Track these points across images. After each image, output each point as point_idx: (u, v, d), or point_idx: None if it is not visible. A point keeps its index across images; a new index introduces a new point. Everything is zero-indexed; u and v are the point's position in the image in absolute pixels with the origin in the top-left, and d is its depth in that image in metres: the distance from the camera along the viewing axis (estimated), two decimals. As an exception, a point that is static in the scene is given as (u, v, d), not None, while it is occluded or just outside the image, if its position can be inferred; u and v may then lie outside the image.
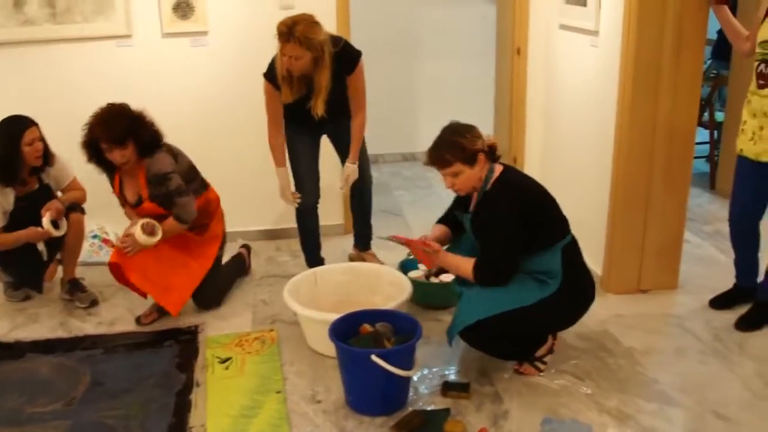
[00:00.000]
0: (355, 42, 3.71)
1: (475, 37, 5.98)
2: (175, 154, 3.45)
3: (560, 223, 2.87)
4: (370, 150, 3.94)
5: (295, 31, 3.27)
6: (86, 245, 4.24)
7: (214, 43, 4.21)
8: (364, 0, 5.86)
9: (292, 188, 3.80)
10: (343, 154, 3.83)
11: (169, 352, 3.26)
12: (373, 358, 2.61)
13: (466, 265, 2.83)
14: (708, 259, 4.16)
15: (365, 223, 4.13)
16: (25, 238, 3.54)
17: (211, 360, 3.17)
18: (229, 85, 4.30)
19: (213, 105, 4.32)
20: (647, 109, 3.40)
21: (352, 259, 4.19)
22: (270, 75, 3.52)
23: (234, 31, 4.22)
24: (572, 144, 4.08)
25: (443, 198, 5.39)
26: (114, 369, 3.14)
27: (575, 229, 2.93)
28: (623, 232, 3.60)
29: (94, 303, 3.76)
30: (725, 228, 4.12)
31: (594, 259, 3.73)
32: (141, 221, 3.33)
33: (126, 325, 3.54)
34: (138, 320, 3.55)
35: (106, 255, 4.21)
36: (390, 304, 3.11)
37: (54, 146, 3.62)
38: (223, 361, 3.16)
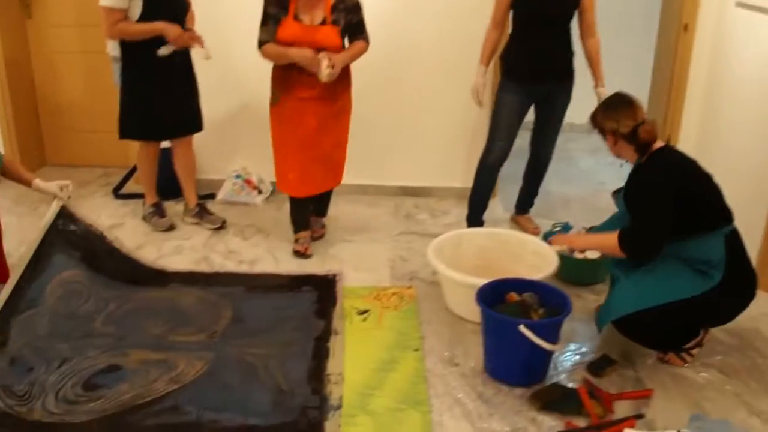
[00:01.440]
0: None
1: (635, 11, 5.71)
2: None
3: (722, 210, 2.70)
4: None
5: None
6: (229, 184, 4.35)
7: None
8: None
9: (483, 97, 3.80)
10: (547, 127, 3.87)
11: (308, 298, 3.30)
12: (521, 328, 2.55)
13: (609, 238, 2.72)
14: None
15: (535, 189, 4.13)
16: (158, 30, 3.60)
17: (349, 310, 3.19)
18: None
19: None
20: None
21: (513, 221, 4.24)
22: None
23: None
24: (735, 130, 3.83)
25: (584, 171, 5.26)
26: (254, 308, 3.21)
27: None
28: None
29: (223, 225, 3.94)
30: None
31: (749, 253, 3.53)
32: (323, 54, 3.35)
33: (266, 265, 3.61)
34: (299, 253, 3.70)
35: (247, 196, 4.32)
36: (535, 275, 3.03)
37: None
38: (361, 313, 3.18)
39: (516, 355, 2.66)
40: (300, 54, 3.35)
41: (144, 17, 3.55)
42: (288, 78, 3.48)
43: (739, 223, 2.82)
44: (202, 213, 4.01)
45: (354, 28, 3.49)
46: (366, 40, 3.53)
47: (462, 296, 3.06)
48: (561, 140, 4.05)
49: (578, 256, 3.41)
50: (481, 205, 3.95)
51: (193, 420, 2.45)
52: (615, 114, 2.72)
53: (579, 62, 3.72)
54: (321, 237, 3.93)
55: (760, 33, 3.56)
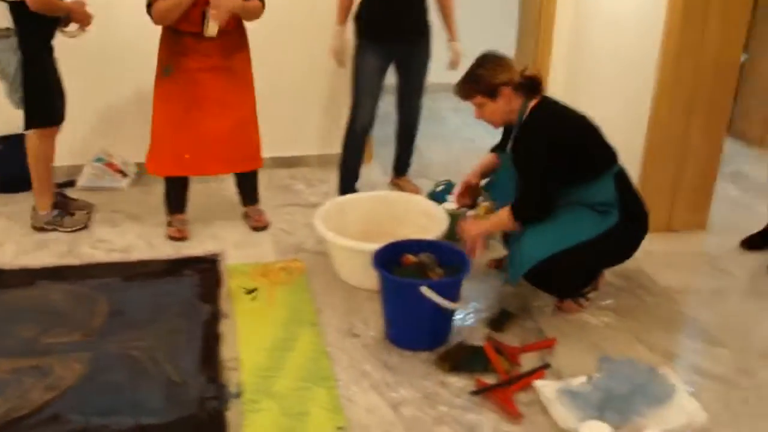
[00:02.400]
0: None
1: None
2: None
3: (607, 151, 2.74)
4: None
5: None
6: (88, 169, 4.01)
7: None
8: None
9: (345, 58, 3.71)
10: (410, 87, 3.79)
11: (190, 281, 3.09)
12: (423, 289, 2.47)
13: (502, 215, 2.72)
14: (731, 200, 4.08)
15: (408, 150, 4.07)
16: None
17: (236, 290, 3.01)
18: None
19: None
20: (695, 41, 3.25)
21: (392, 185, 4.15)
22: None
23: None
24: (603, 76, 3.92)
25: (453, 129, 5.27)
26: (133, 298, 2.97)
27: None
28: (658, 170, 3.50)
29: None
30: (745, 169, 4.01)
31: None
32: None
33: (140, 252, 3.35)
34: (174, 238, 3.46)
35: (111, 180, 4.01)
36: (425, 236, 2.96)
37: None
38: (250, 292, 3.01)
39: (419, 319, 2.59)
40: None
41: None
42: (180, 46, 3.19)
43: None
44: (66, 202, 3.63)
45: None
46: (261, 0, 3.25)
47: (354, 264, 2.95)
48: (428, 100, 4.01)
49: (469, 213, 3.39)
50: (352, 172, 3.86)
51: (80, 429, 2.21)
52: (501, 67, 2.66)
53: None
54: (265, 227, 3.61)
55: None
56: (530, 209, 2.68)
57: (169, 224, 3.51)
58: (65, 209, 3.58)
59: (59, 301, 2.94)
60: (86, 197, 3.86)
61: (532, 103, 2.69)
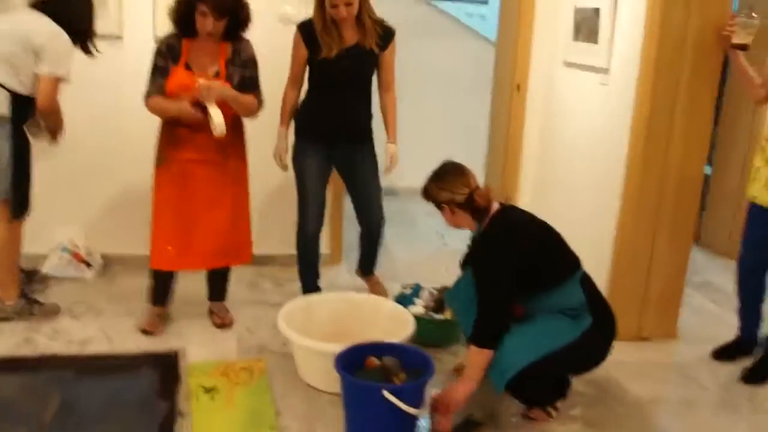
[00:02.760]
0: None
1: (465, 74, 5.92)
2: None
3: (570, 256, 2.75)
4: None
5: None
6: (53, 259, 3.95)
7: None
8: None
9: (288, 161, 3.61)
10: (358, 192, 3.67)
11: (148, 378, 3.00)
12: (385, 394, 2.41)
13: (472, 358, 2.62)
14: (701, 310, 4.08)
15: (371, 252, 3.90)
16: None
17: (195, 389, 2.91)
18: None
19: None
20: (659, 155, 3.33)
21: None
22: (303, 27, 3.39)
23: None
24: (571, 186, 3.99)
25: (426, 232, 5.28)
26: (87, 393, 2.86)
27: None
28: (626, 280, 3.51)
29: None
30: (714, 279, 4.04)
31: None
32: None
33: (98, 345, 3.25)
34: (145, 331, 3.36)
35: (76, 270, 3.94)
36: (391, 340, 2.91)
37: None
38: (208, 391, 2.90)
39: (380, 424, 2.51)
40: (177, 107, 3.07)
41: None
42: (175, 136, 3.19)
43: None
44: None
45: (247, 83, 3.20)
46: (258, 97, 3.25)
47: (318, 366, 2.88)
48: (401, 203, 4.01)
49: (436, 316, 3.36)
50: (311, 272, 3.77)
51: None
52: (447, 184, 2.72)
53: (409, 124, 3.65)
54: (229, 325, 3.53)
55: (590, 91, 3.76)
56: (491, 326, 2.62)
57: (144, 315, 3.43)
58: (30, 300, 3.50)
59: (9, 394, 2.82)
60: (50, 286, 3.80)
61: (493, 210, 2.71)
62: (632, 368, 3.30)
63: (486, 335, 2.61)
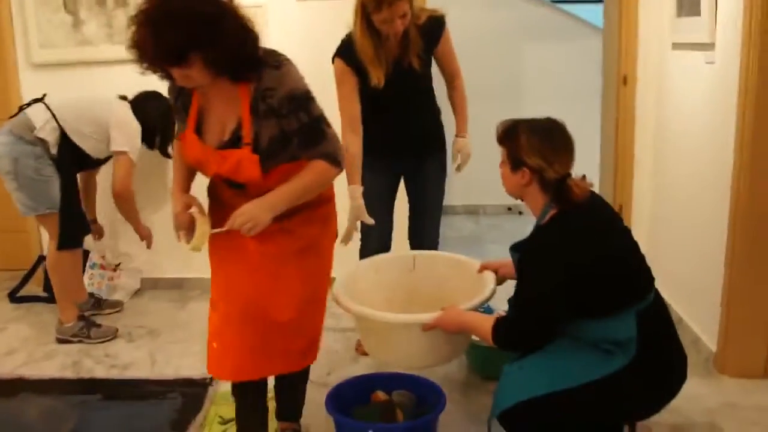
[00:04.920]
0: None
1: (585, 74, 5.30)
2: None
3: (637, 282, 2.13)
4: (470, 200, 3.28)
5: None
6: (86, 278, 3.90)
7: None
8: (462, 44, 5.43)
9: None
10: (420, 204, 3.21)
11: (170, 406, 2.81)
12: (370, 434, 2.01)
13: (485, 325, 2.16)
14: None
15: None
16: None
17: (212, 419, 2.68)
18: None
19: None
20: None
21: None
22: (346, 54, 2.85)
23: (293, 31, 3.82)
24: (684, 189, 3.31)
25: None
26: (102, 419, 2.74)
27: (686, 291, 2.17)
28: (745, 301, 2.79)
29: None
30: None
31: (706, 329, 2.98)
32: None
33: (139, 370, 3.13)
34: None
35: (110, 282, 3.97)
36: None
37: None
38: (225, 422, 2.65)
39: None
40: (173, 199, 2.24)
41: None
42: (218, 197, 2.27)
43: (694, 295, 2.25)
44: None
45: (301, 138, 2.05)
46: (328, 156, 2.06)
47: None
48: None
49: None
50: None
51: None
52: (550, 152, 2.12)
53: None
54: None
55: (696, 73, 3.10)
56: (512, 337, 2.13)
57: None
58: (89, 323, 3.49)
59: (29, 416, 2.79)
60: (125, 310, 3.81)
61: (556, 208, 2.19)
62: (748, 415, 2.59)
63: (508, 334, 2.13)
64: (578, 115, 4.75)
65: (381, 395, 2.32)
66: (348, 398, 2.26)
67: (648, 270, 2.19)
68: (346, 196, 2.89)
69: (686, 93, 3.26)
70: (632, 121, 3.72)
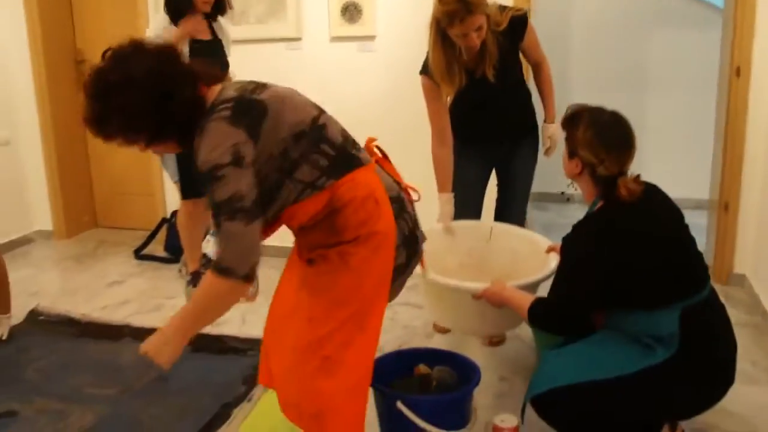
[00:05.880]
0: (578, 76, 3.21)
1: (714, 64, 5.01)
2: (254, 113, 1.75)
3: (685, 279, 2.07)
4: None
5: (470, 0, 2.70)
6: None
7: (382, 47, 3.95)
8: (586, 30, 5.29)
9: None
10: (509, 189, 3.23)
11: (248, 362, 3.02)
12: (399, 405, 2.10)
13: (522, 301, 2.24)
14: None
15: None
16: None
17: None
18: (395, 92, 4.00)
19: (378, 111, 4.04)
20: None
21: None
22: (428, 70, 2.95)
23: (401, 36, 3.93)
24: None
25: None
26: (185, 368, 2.90)
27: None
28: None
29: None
30: None
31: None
32: None
33: (229, 327, 3.38)
34: None
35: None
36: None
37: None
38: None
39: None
40: None
41: None
42: None
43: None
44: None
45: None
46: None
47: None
48: (554, 213, 3.44)
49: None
50: None
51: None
52: (602, 149, 2.12)
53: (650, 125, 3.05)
54: None
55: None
56: (548, 318, 2.17)
57: None
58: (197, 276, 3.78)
59: (127, 359, 3.10)
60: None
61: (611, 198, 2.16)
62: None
63: (544, 315, 2.20)
64: (702, 106, 4.57)
65: (423, 369, 2.38)
66: (390, 370, 2.34)
67: (702, 268, 2.13)
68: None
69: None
70: (744, 115, 3.51)
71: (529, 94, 3.16)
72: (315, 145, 1.82)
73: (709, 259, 3.87)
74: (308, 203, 1.83)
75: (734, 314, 3.31)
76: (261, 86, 1.84)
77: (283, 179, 1.81)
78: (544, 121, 3.15)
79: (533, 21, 3.02)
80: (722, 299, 2.18)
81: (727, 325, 2.14)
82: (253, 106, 1.76)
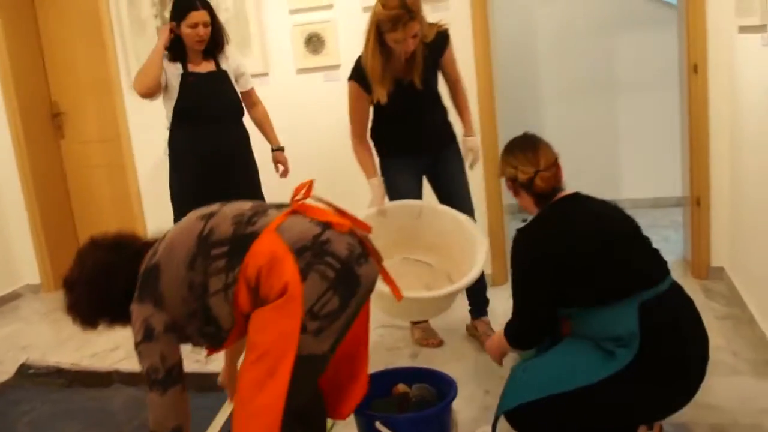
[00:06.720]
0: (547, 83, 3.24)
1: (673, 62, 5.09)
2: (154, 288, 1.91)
3: (636, 270, 2.11)
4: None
5: (412, 7, 2.86)
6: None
7: (347, 75, 4.00)
8: (552, 37, 5.36)
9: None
10: (443, 188, 3.32)
11: (236, 397, 3.05)
12: (378, 425, 2.14)
13: (501, 332, 2.37)
14: None
15: (478, 285, 3.22)
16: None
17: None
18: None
19: (347, 139, 4.08)
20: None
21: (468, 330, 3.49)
22: (358, 76, 3.11)
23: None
24: (765, 184, 3.14)
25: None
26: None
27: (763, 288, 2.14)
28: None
29: None
30: None
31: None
32: None
33: (217, 365, 3.38)
34: None
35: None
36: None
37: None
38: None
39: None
40: None
41: None
42: None
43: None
44: None
45: None
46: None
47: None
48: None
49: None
50: None
51: None
52: (513, 159, 2.32)
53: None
54: None
55: (759, 56, 2.95)
56: (520, 338, 2.27)
57: None
58: None
59: (117, 404, 3.12)
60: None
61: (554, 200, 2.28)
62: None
63: (514, 330, 2.31)
64: (671, 104, 4.61)
65: (402, 387, 2.42)
66: (370, 391, 2.36)
67: (657, 259, 2.18)
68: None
69: (752, 79, 3.10)
70: (705, 111, 3.58)
71: (446, 110, 3.30)
72: (207, 257, 1.87)
73: (687, 254, 3.91)
74: (238, 300, 1.86)
75: (715, 307, 3.37)
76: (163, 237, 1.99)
77: (206, 300, 1.88)
78: (464, 135, 3.30)
79: (498, 30, 3.11)
80: (702, 293, 2.22)
81: (695, 321, 2.16)
82: (150, 274, 1.91)
